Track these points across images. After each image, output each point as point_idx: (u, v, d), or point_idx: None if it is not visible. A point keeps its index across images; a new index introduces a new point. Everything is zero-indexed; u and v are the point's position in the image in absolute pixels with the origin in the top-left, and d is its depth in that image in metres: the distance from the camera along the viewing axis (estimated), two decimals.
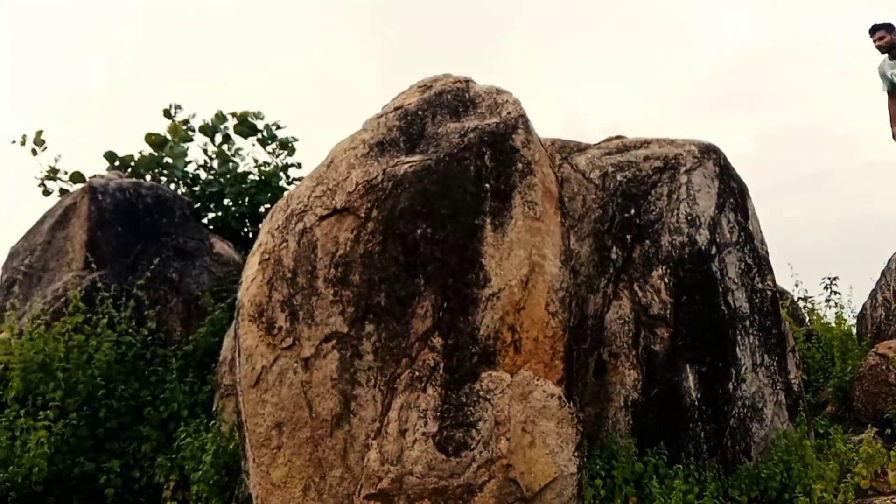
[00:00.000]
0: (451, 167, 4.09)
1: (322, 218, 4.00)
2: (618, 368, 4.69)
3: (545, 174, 4.34)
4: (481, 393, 3.71)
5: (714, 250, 5.12)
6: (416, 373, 3.72)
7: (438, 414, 3.64)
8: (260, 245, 4.20)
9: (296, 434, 3.76)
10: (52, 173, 7.33)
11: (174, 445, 4.86)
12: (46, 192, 7.35)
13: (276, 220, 4.16)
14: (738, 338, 5.03)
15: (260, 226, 7.37)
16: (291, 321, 3.88)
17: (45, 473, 4.66)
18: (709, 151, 5.44)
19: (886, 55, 7.08)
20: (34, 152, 7.31)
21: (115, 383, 5.16)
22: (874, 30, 7.01)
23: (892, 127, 7.20)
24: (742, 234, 5.37)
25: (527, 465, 3.64)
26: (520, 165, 4.20)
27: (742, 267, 5.27)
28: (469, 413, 3.66)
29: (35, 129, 7.24)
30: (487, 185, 4.10)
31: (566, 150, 5.59)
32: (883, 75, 7.20)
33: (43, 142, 7.29)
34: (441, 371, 3.74)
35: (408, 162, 4.11)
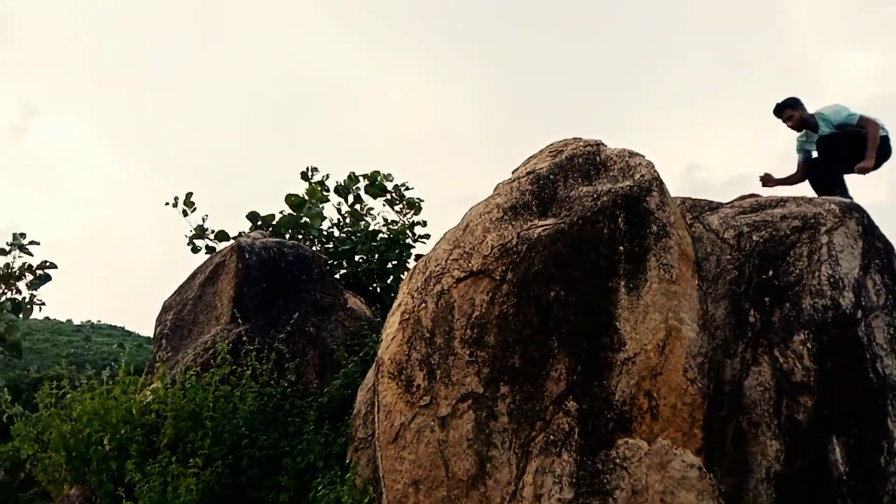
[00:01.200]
0: (584, 230, 4.14)
1: (459, 280, 4.14)
2: (758, 438, 4.48)
3: (681, 237, 4.31)
4: (617, 460, 3.67)
5: (860, 314, 4.85)
6: (551, 437, 3.74)
7: (574, 480, 3.63)
8: (399, 305, 4.39)
9: (432, 493, 3.84)
10: (200, 232, 7.95)
11: (310, 496, 5.05)
12: (195, 249, 7.97)
13: (416, 282, 4.34)
14: (890, 408, 4.70)
15: (396, 284, 7.67)
16: (429, 380, 4.01)
17: None
18: (850, 210, 5.20)
19: (801, 132, 6.26)
20: (185, 213, 7.97)
21: (257, 433, 5.44)
22: (779, 110, 6.25)
23: (776, 179, 6.36)
24: (890, 296, 5.06)
25: None
26: (654, 228, 4.20)
27: (891, 332, 4.94)
28: (605, 481, 3.62)
29: (185, 191, 7.92)
30: (621, 248, 4.12)
31: (697, 209, 5.50)
32: (800, 149, 6.38)
33: (192, 203, 7.94)
34: (576, 436, 3.73)
35: (541, 225, 4.20)
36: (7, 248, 7.28)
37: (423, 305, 4.18)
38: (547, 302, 4.00)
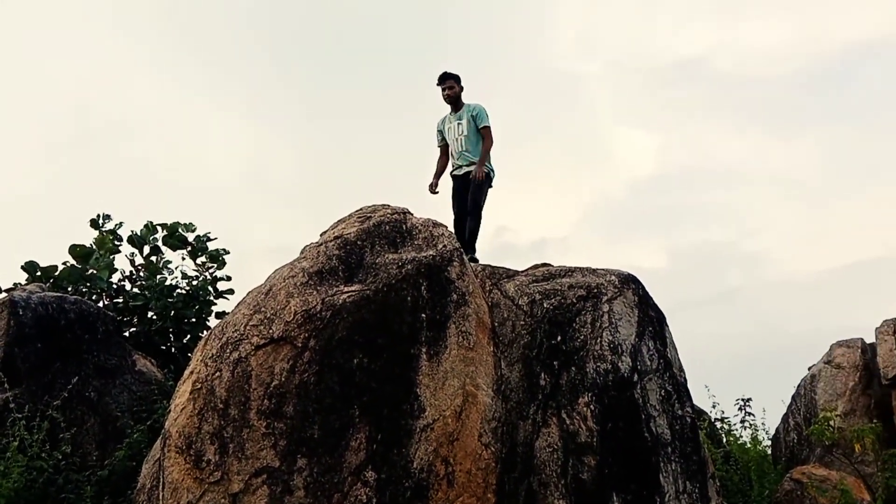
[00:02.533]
0: (389, 297, 4.21)
1: (258, 347, 4.01)
2: (547, 498, 4.72)
3: (479, 305, 4.51)
4: None
5: (636, 377, 5.33)
6: None
7: None
8: (192, 373, 4.14)
9: None
10: None
11: None
12: None
13: (211, 348, 4.14)
14: (662, 465, 5.17)
15: (194, 343, 7.22)
16: (221, 454, 3.80)
17: None
18: (628, 281, 5.76)
19: (450, 108, 6.88)
20: None
21: None
22: (445, 78, 6.78)
23: (433, 179, 7.00)
24: (661, 361, 5.62)
25: None
26: (455, 296, 4.36)
27: (662, 394, 5.48)
28: None
29: None
30: (423, 315, 4.23)
31: (496, 276, 5.81)
32: (440, 130, 7.01)
33: None
34: None
35: (347, 291, 4.20)
36: None
37: (218, 374, 3.98)
38: (350, 369, 3.98)
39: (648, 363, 5.47)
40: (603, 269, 5.83)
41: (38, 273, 7.12)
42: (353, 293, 4.20)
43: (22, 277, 7.15)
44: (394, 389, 4.01)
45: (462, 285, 4.44)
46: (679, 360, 5.88)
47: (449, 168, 7.01)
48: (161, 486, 4.02)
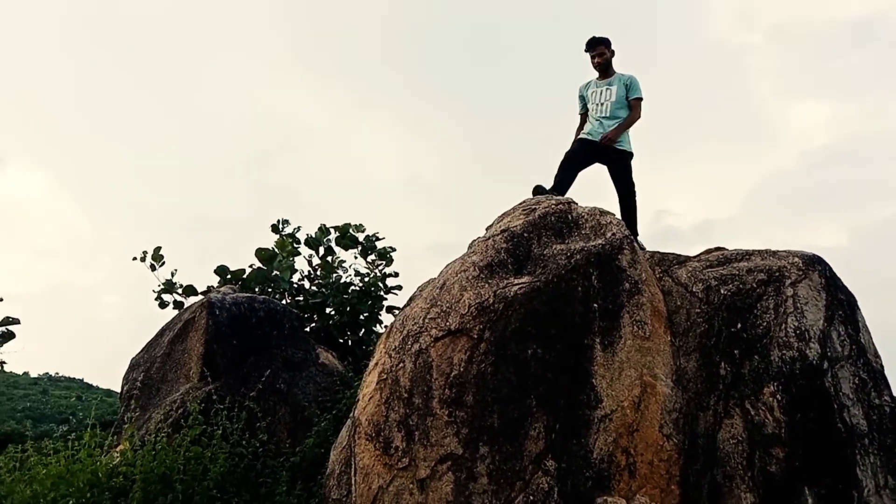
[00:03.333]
0: (559, 288, 4.21)
1: (437, 339, 4.15)
2: (733, 491, 4.53)
3: (653, 293, 4.40)
4: None
5: (826, 365, 4.97)
6: (531, 497, 3.73)
7: None
8: (377, 364, 4.37)
9: None
10: (169, 287, 7.84)
11: None
12: (163, 305, 7.85)
13: (393, 341, 4.34)
14: (858, 458, 4.79)
15: (368, 336, 7.63)
16: (408, 441, 3.99)
17: None
18: (813, 263, 5.38)
19: (598, 75, 6.35)
20: (153, 267, 7.87)
21: (229, 495, 5.31)
22: (595, 44, 6.27)
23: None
24: (854, 347, 5.20)
25: None
26: (627, 285, 4.28)
27: (856, 382, 5.07)
28: None
29: (153, 246, 7.83)
30: (595, 305, 4.19)
31: (665, 262, 5.63)
32: (583, 96, 6.46)
33: (161, 257, 7.85)
34: (556, 496, 3.73)
35: (517, 283, 4.25)
36: None
37: (402, 365, 4.17)
38: (525, 360, 4.03)
39: (839, 349, 5.08)
40: (784, 251, 5.48)
41: (229, 276, 7.80)
42: (524, 285, 4.24)
43: (214, 280, 7.88)
44: (569, 380, 4.01)
45: (634, 273, 4.35)
46: (874, 345, 5.41)
47: (583, 131, 6.38)
48: (353, 472, 4.29)
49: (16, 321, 7.44)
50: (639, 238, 6.17)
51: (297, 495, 5.43)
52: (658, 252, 5.73)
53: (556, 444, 3.84)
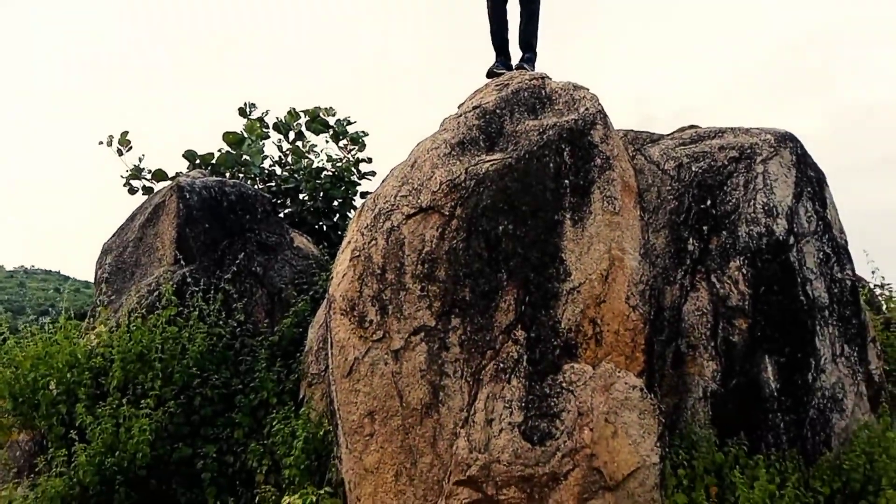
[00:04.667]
0: (530, 164, 4.19)
1: (408, 216, 4.16)
2: (696, 360, 4.73)
3: (624, 169, 4.41)
4: (564, 384, 3.82)
5: (792, 240, 5.09)
6: (501, 364, 3.86)
7: (523, 404, 3.78)
8: (349, 242, 4.39)
9: (387, 422, 3.95)
10: (137, 172, 7.70)
11: (265, 431, 5.12)
12: (132, 191, 7.72)
13: (365, 219, 4.34)
14: (818, 328, 5.00)
15: (343, 222, 7.62)
16: (381, 315, 4.07)
17: (148, 458, 4.97)
18: (785, 140, 5.39)
19: None
20: (119, 152, 7.68)
21: (208, 373, 5.44)
22: None
23: None
24: (820, 223, 5.32)
25: (610, 454, 3.75)
26: (598, 161, 4.27)
27: (821, 256, 5.22)
28: (553, 404, 3.78)
29: (120, 131, 7.61)
30: (567, 182, 4.20)
31: (639, 141, 5.61)
32: None
33: (128, 142, 7.65)
34: (524, 363, 3.86)
35: (489, 160, 4.23)
36: None
37: (374, 242, 4.19)
38: (496, 236, 4.06)
39: (806, 225, 5.19)
40: (756, 129, 5.48)
41: (197, 161, 7.66)
42: (496, 161, 4.22)
43: (183, 165, 7.73)
44: (539, 254, 4.07)
45: (606, 149, 4.34)
46: (840, 221, 5.53)
47: None
48: (329, 345, 4.39)
49: None
50: (535, 61, 5.87)
51: (277, 371, 5.58)
52: (632, 130, 5.71)
53: (526, 316, 3.94)
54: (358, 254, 4.24)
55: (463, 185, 4.13)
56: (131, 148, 7.67)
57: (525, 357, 3.88)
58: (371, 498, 4.01)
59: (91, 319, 6.36)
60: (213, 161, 7.61)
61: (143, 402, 5.12)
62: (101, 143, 7.59)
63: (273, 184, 7.78)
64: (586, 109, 4.41)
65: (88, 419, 5.03)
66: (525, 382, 3.84)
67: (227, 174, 7.57)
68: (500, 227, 4.07)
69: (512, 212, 4.10)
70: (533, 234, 4.09)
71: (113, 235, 6.89)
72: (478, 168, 4.18)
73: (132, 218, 6.88)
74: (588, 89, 4.61)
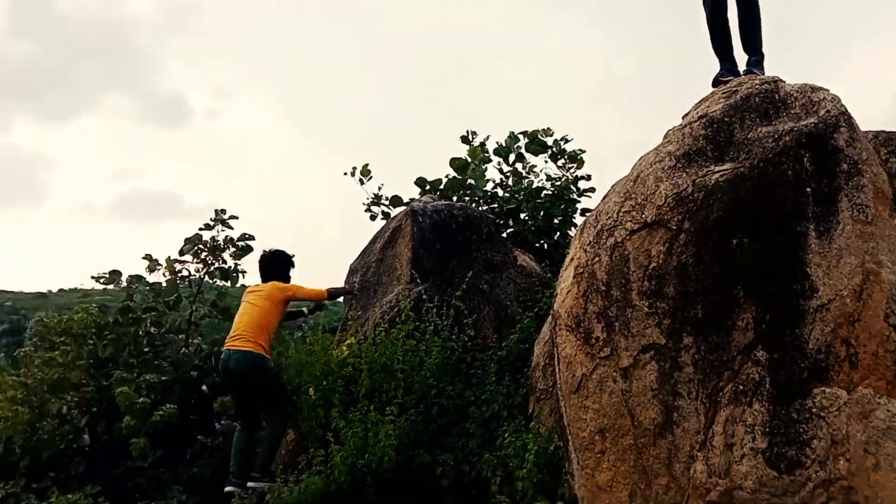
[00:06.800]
0: (766, 173, 3.97)
1: (632, 232, 4.13)
2: None
3: (875, 174, 4.01)
4: (814, 410, 3.55)
5: None
6: (741, 387, 3.68)
7: (767, 430, 3.57)
8: (573, 259, 4.46)
9: (619, 440, 3.94)
10: (376, 199, 8.41)
11: (497, 443, 5.33)
12: (373, 217, 8.45)
13: (587, 236, 4.38)
14: None
15: (563, 239, 7.72)
16: (608, 332, 4.07)
17: (394, 462, 5.40)
18: None
19: None
20: (361, 182, 8.44)
21: (444, 384, 5.80)
22: None
23: None
24: None
25: (871, 489, 3.40)
26: (844, 166, 3.94)
27: None
28: (801, 430, 3.53)
29: (360, 163, 8.39)
30: (808, 189, 3.91)
31: (892, 142, 5.05)
32: None
33: (369, 171, 8.39)
34: (767, 385, 3.65)
35: (718, 171, 4.07)
36: (211, 223, 8.10)
37: (597, 259, 4.22)
38: (729, 250, 3.90)
39: None
40: None
41: (427, 187, 8.19)
42: (726, 172, 4.05)
43: (415, 191, 8.31)
44: (779, 269, 3.83)
45: (853, 153, 3.98)
46: None
47: None
48: (556, 361, 4.47)
49: (251, 237, 8.43)
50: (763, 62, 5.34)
51: (506, 385, 5.78)
52: (883, 132, 5.15)
53: (767, 335, 3.73)
54: (581, 270, 4.28)
55: (690, 197, 4.02)
56: (371, 177, 8.39)
57: (768, 379, 3.66)
58: None
59: (342, 332, 7.05)
60: (441, 186, 8.09)
61: (387, 409, 5.59)
62: (345, 173, 8.40)
63: (496, 205, 8.08)
64: (827, 112, 4.08)
65: (342, 423, 5.59)
66: (769, 406, 3.62)
67: (454, 198, 8.00)
68: (734, 241, 3.89)
69: (746, 224, 3.90)
70: (772, 247, 3.86)
71: (358, 257, 7.58)
72: (706, 179, 4.04)
73: (373, 241, 7.52)
74: (828, 90, 4.26)
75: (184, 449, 7.97)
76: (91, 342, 7.77)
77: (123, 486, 7.52)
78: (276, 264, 6.60)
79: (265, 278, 6.55)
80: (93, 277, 8.41)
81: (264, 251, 6.74)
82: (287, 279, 6.57)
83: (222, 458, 8.06)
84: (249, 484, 5.87)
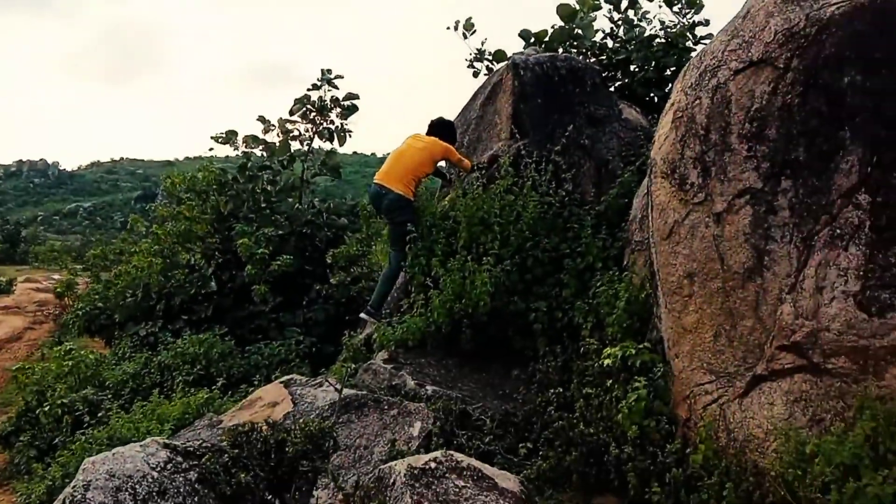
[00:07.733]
0: (888, 3, 3.62)
1: (736, 72, 3.94)
2: None
3: None
4: None
5: None
6: (837, 230, 3.56)
7: (861, 273, 3.47)
8: (672, 104, 4.33)
9: (707, 284, 3.96)
10: (480, 54, 8.30)
11: (590, 293, 5.47)
12: (475, 74, 8.38)
13: (689, 78, 4.22)
14: None
15: (669, 89, 7.41)
16: (703, 177, 4.00)
17: (488, 308, 5.68)
18: None
19: None
20: (465, 36, 8.32)
21: (539, 237, 5.93)
22: None
23: None
24: None
25: None
26: None
27: None
28: None
29: (465, 17, 8.23)
30: None
31: None
32: None
33: (472, 26, 8.24)
34: (867, 230, 3.51)
35: (835, 3, 3.75)
36: (318, 83, 8.34)
37: (698, 102, 4.07)
38: (839, 89, 3.65)
39: None
40: None
41: (532, 39, 7.97)
42: (843, 4, 3.72)
43: (520, 45, 8.11)
44: (894, 110, 3.56)
45: None
46: None
47: None
48: (650, 209, 4.46)
49: (356, 96, 8.62)
50: None
51: (602, 238, 5.85)
52: None
53: (872, 178, 3.54)
54: (680, 115, 4.16)
55: (801, 32, 3.75)
56: (475, 31, 8.25)
57: (868, 223, 3.52)
58: (689, 356, 4.11)
59: (444, 189, 7.26)
60: (546, 38, 7.84)
61: (484, 259, 5.82)
62: (447, 27, 8.30)
63: (604, 56, 7.79)
64: None
65: (441, 271, 5.89)
66: (865, 250, 3.50)
67: (560, 49, 7.77)
68: (846, 79, 3.63)
69: (861, 61, 3.62)
70: (887, 86, 3.58)
71: (459, 115, 7.64)
72: (821, 13, 3.74)
73: (474, 97, 7.52)
74: None
75: (300, 295, 8.74)
76: (213, 198, 8.43)
77: (247, 327, 8.46)
78: (444, 129, 6.81)
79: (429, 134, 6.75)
80: (212, 137, 8.97)
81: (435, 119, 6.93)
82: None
83: (335, 303, 8.81)
84: (361, 315, 6.53)
